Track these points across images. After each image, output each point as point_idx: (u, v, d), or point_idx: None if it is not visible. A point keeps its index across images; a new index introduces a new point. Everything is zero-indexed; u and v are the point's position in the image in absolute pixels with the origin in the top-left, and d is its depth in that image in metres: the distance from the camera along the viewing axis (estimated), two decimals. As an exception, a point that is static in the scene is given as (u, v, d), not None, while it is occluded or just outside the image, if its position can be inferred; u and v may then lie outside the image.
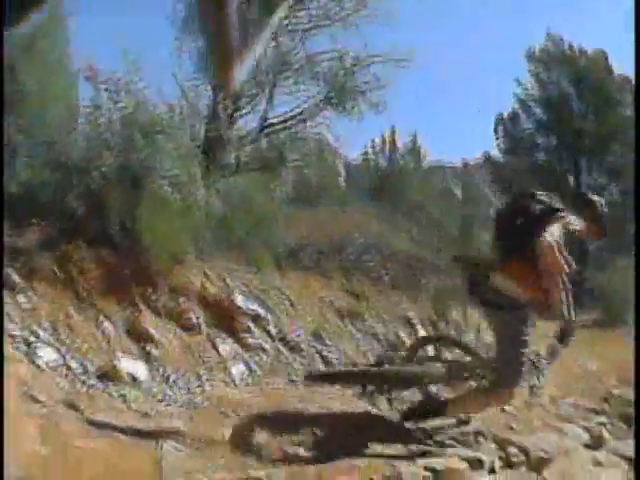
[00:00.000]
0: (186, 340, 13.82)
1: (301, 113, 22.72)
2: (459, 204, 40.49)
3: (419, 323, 19.24)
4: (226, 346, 14.53)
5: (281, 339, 16.00)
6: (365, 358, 16.25)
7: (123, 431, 9.40)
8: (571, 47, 38.58)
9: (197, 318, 14.50)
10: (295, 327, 16.63)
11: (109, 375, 11.26)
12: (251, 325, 15.71)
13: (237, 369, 13.88)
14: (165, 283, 14.67)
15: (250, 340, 15.37)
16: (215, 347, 14.29)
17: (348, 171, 40.63)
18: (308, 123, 22.58)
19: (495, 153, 40.31)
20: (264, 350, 15.29)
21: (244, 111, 21.87)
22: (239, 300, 15.95)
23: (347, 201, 28.40)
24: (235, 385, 13.32)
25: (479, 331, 19.51)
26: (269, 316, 16.42)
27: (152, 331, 13.20)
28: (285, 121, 22.65)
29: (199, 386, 12.59)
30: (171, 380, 12.31)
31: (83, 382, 10.68)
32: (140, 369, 12.21)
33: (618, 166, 35.66)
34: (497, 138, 38.85)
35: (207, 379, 12.93)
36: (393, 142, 37.30)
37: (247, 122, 22.75)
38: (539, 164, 38.08)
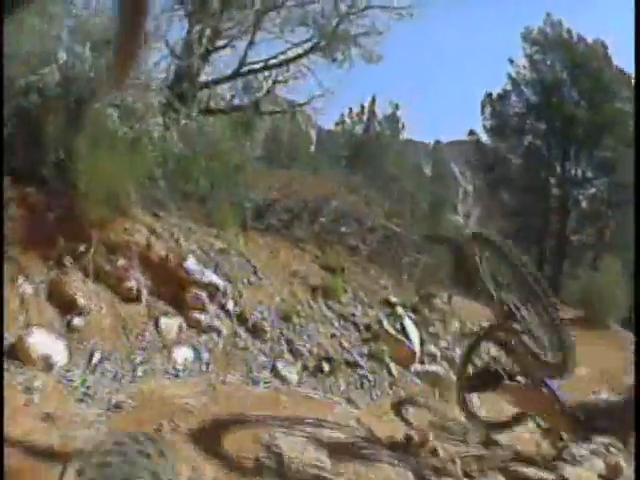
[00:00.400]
0: (120, 312, 11.22)
1: (286, 59, 18.31)
2: (428, 182, 37.86)
3: (400, 306, 16.16)
4: (170, 323, 11.66)
5: (240, 318, 12.77)
6: (344, 351, 13.39)
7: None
8: (570, 32, 35.55)
9: (137, 285, 11.75)
10: (258, 305, 13.18)
11: (14, 353, 9.07)
12: (204, 298, 12.34)
13: (181, 354, 11.18)
14: (101, 238, 11.68)
15: (201, 317, 12.12)
16: (157, 323, 11.48)
17: (319, 137, 37.43)
18: (292, 70, 18.22)
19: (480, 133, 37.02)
20: (218, 332, 12.16)
21: (222, 51, 17.57)
22: (192, 265, 12.47)
23: (318, 167, 24.29)
24: (177, 376, 10.71)
25: (461, 321, 17.77)
26: (228, 288, 12.94)
27: (79, 297, 10.71)
28: (267, 67, 18.32)
29: (130, 373, 10.17)
30: (94, 361, 9.95)
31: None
32: (57, 348, 9.75)
33: (609, 160, 32.41)
34: (484, 117, 35.62)
35: (141, 364, 10.49)
36: (372, 111, 33.94)
37: (225, 63, 19.01)
38: (526, 147, 34.87)
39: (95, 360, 9.86)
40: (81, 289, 10.69)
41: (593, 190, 33.29)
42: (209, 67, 18.09)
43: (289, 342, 12.78)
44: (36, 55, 12.00)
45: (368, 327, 14.54)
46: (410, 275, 18.51)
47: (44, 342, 9.37)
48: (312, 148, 35.15)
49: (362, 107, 34.21)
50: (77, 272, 10.91)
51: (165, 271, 12.06)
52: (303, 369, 12.31)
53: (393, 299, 16.23)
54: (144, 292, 11.56)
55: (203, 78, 17.86)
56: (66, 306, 10.38)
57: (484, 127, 35.95)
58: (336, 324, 14.19)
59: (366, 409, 11.81)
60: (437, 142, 50.64)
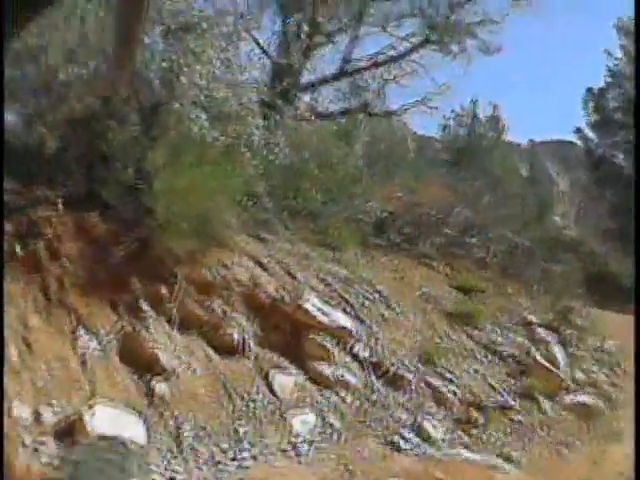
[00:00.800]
0: (219, 369, 8.17)
1: (395, 55, 15.26)
2: (526, 183, 34.52)
3: (540, 327, 13.01)
4: (286, 379, 8.47)
5: (375, 366, 9.40)
6: (493, 392, 10.46)
7: None
8: None
9: (240, 333, 8.55)
10: (395, 346, 10.01)
11: (72, 431, 6.33)
12: (329, 345, 9.07)
13: (302, 421, 8.03)
14: (189, 276, 8.57)
15: (326, 369, 8.87)
16: (268, 381, 8.31)
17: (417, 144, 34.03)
18: (402, 66, 14.88)
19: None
20: (347, 386, 8.89)
21: (322, 48, 14.32)
22: (313, 304, 9.21)
23: (420, 174, 20.59)
24: (297, 453, 7.57)
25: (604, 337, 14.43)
26: (359, 329, 9.65)
27: (161, 354, 7.71)
28: (376, 64, 15.22)
29: (233, 458, 7.09)
30: (182, 441, 7.04)
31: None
32: (132, 425, 6.78)
33: None
34: (586, 113, 31.72)
35: (247, 439, 7.47)
36: (475, 113, 30.52)
37: (327, 62, 15.62)
38: (630, 142, 30.89)
39: (185, 439, 7.04)
40: (164, 343, 7.89)
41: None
42: (310, 66, 14.56)
43: (433, 389, 9.69)
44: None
45: (514, 357, 11.64)
46: (542, 287, 15.17)
47: (114, 418, 6.68)
48: (411, 155, 31.27)
49: (462, 109, 30.35)
50: (158, 321, 8.11)
51: (278, 314, 9.03)
52: (451, 420, 9.44)
53: (532, 318, 13.29)
54: (250, 342, 8.53)
55: (305, 79, 14.71)
56: (145, 367, 7.55)
57: (587, 123, 31.93)
58: (479, 357, 11.24)
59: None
60: (531, 141, 46.16)
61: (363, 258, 11.99)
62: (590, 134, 31.69)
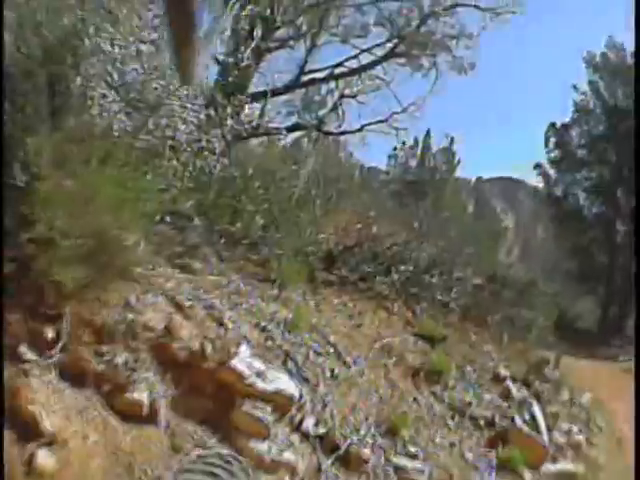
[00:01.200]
0: (120, 442, 5.91)
1: (356, 68, 13.25)
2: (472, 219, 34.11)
3: (512, 382, 11.53)
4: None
5: (325, 443, 7.20)
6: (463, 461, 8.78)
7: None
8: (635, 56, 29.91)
9: (150, 396, 6.22)
10: (351, 414, 7.74)
11: None
12: (267, 416, 6.74)
13: None
14: (83, 316, 6.24)
15: (263, 448, 6.57)
16: None
17: (362, 174, 32.64)
18: (364, 81, 13.09)
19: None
20: (292, 470, 6.71)
21: (276, 53, 12.40)
22: (245, 363, 6.83)
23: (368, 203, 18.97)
24: None
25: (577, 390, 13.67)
26: (304, 395, 7.31)
27: (45, 417, 5.54)
28: (333, 76, 13.07)
29: None
30: None
31: None
32: None
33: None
34: (547, 149, 30.62)
35: None
36: (428, 145, 29.42)
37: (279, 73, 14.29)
38: (591, 180, 29.84)
39: None
40: (47, 402, 5.66)
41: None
42: (260, 71, 12.62)
43: (400, 471, 7.59)
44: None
45: (490, 423, 9.97)
46: (508, 334, 13.74)
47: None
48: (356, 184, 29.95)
49: (415, 140, 29.25)
50: (44, 373, 5.87)
51: (197, 372, 6.64)
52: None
53: (503, 372, 11.70)
54: (161, 408, 6.21)
55: (253, 87, 12.60)
56: (24, 432, 5.44)
57: (548, 160, 30.79)
58: (451, 423, 9.39)
59: None
60: (479, 178, 46.33)
61: (312, 298, 9.81)
62: (550, 171, 30.72)
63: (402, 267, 12.70)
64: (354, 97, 14.70)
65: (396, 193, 28.58)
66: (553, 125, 30.82)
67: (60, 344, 5.83)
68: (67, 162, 5.90)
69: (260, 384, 6.58)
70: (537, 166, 31.01)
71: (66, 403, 5.76)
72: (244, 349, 6.75)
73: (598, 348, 23.19)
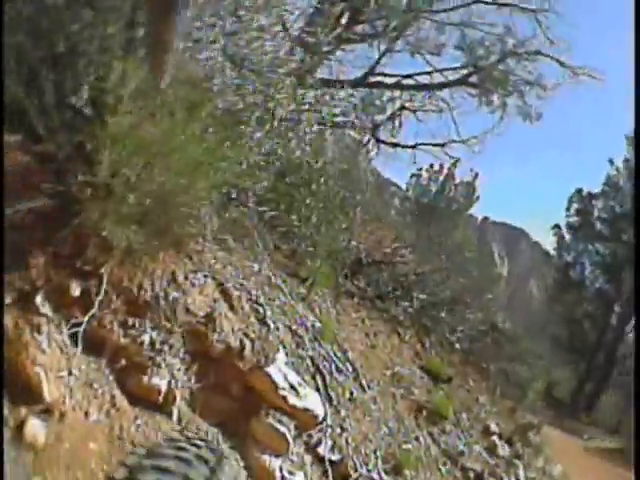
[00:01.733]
0: (126, 423, 5.29)
1: (424, 84, 12.81)
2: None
3: (499, 439, 11.46)
4: None
5: (337, 472, 6.62)
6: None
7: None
8: None
9: (169, 384, 5.59)
10: (362, 443, 7.23)
11: None
12: (288, 432, 6.14)
13: None
14: (120, 281, 5.55)
15: (276, 465, 5.98)
16: None
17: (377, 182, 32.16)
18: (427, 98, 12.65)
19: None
20: None
21: (353, 46, 11.96)
22: (278, 370, 6.23)
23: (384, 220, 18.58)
24: None
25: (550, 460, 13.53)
26: (328, 415, 6.77)
27: (45, 381, 4.86)
28: (400, 86, 12.67)
29: None
30: None
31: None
32: None
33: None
34: (568, 214, 30.37)
35: None
36: (452, 174, 28.97)
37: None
38: (603, 255, 29.51)
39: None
40: (55, 367, 5.02)
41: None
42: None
43: None
44: None
45: (479, 478, 9.76)
46: (502, 390, 13.71)
47: None
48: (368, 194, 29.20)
49: (441, 166, 28.88)
50: (57, 332, 5.17)
51: (228, 369, 6.02)
52: None
53: (492, 427, 11.63)
54: (178, 398, 5.62)
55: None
56: (20, 394, 4.78)
57: (567, 224, 30.46)
58: (443, 469, 9.11)
59: None
60: (485, 218, 45.68)
61: (334, 307, 9.35)
62: (566, 235, 30.43)
63: (421, 296, 12.46)
64: (414, 112, 14.28)
65: (410, 212, 28.39)
66: (579, 191, 30.53)
67: (94, 309, 5.25)
68: (151, 101, 5.34)
69: (291, 399, 6.04)
70: (556, 227, 30.74)
71: (73, 371, 5.13)
72: (281, 356, 6.25)
73: (568, 420, 23.10)
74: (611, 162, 29.85)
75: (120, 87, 5.23)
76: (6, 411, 4.63)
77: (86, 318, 5.14)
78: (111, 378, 5.37)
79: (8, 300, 4.90)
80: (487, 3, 13.93)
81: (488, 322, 15.09)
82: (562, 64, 14.08)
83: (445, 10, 13.80)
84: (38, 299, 5.06)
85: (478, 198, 30.79)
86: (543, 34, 14.04)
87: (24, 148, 5.57)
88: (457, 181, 30.54)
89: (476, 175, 29.97)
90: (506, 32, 14.14)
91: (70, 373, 5.08)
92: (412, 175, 31.15)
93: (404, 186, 31.61)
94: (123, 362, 5.46)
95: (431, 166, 29.82)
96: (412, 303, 12.05)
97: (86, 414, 5.05)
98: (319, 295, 8.99)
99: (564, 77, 14.06)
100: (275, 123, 7.02)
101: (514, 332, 17.15)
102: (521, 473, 10.98)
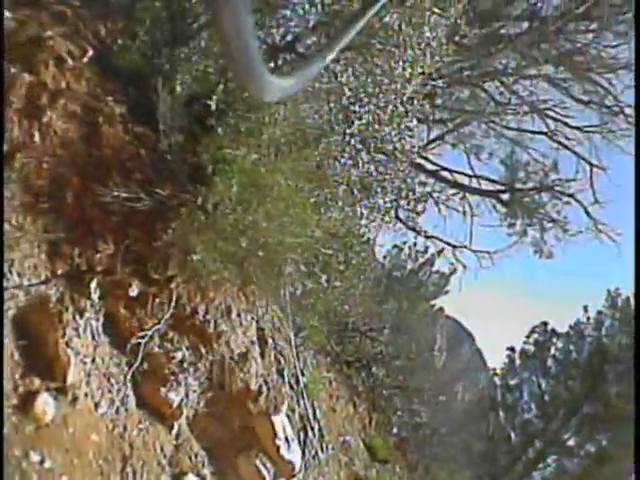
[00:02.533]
0: (130, 424, 5.59)
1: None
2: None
3: None
4: None
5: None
6: None
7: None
8: None
9: (183, 403, 6.02)
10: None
11: None
12: (268, 475, 6.62)
13: None
14: (187, 296, 5.97)
15: None
16: None
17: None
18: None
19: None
20: None
21: None
22: (281, 422, 6.75)
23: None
24: None
25: None
26: (300, 466, 7.19)
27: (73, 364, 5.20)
28: (438, 176, 13.16)
29: None
30: None
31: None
32: None
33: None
34: (525, 340, 30.60)
35: None
36: (432, 262, 29.30)
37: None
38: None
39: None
40: (83, 351, 5.39)
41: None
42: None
43: None
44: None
45: None
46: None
47: None
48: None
49: (426, 248, 29.03)
50: (97, 320, 5.56)
51: (238, 408, 6.43)
52: None
53: None
54: (184, 415, 6.01)
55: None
56: (42, 367, 5.12)
57: (521, 350, 30.72)
58: None
59: None
60: (440, 309, 45.58)
61: (311, 363, 9.81)
62: (517, 360, 30.65)
63: (381, 374, 12.84)
64: (438, 204, 14.72)
65: (379, 281, 28.43)
66: (544, 324, 30.70)
67: (167, 316, 5.60)
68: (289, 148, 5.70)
69: (283, 450, 6.49)
70: (510, 349, 30.89)
71: (97, 361, 5.46)
72: (284, 408, 6.68)
73: None
74: (585, 309, 30.08)
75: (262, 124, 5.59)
76: (17, 377, 4.88)
77: (152, 331, 5.48)
78: (130, 377, 5.69)
79: (60, 272, 5.16)
80: (554, 141, 14.33)
81: (427, 417, 15.40)
82: (589, 215, 14.51)
83: (511, 129, 14.21)
84: (93, 284, 5.41)
85: (447, 292, 31.17)
86: (589, 183, 14.48)
87: (127, 125, 5.83)
88: (434, 269, 30.94)
89: (454, 270, 30.34)
90: (553, 167, 14.54)
91: (94, 362, 5.42)
92: (394, 246, 31.37)
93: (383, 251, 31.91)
94: (146, 367, 5.77)
95: (414, 244, 30.20)
96: (371, 378, 12.39)
97: (96, 405, 5.39)
98: (309, 351, 9.42)
99: (587, 227, 14.48)
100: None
101: (446, 433, 17.48)
102: None
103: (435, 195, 14.53)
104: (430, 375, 24.33)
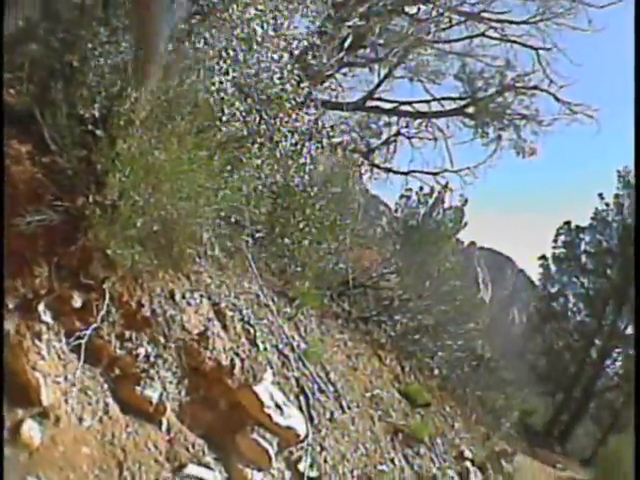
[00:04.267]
0: (117, 430, 5.61)
1: (421, 112, 13.07)
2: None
3: (473, 465, 11.49)
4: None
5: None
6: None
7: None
8: None
9: (162, 395, 5.96)
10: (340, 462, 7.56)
11: None
12: (271, 448, 6.52)
13: None
14: (121, 296, 5.94)
15: (256, 478, 6.33)
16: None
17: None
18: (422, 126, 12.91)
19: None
20: None
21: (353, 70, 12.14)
22: (265, 389, 6.58)
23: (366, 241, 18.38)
24: None
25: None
26: (310, 433, 7.12)
27: (44, 385, 5.20)
28: (396, 112, 12.84)
29: None
30: None
31: None
32: None
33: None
34: (555, 245, 30.23)
35: None
36: (442, 199, 28.70)
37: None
38: (587, 288, 29.57)
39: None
40: (53, 373, 5.38)
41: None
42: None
43: None
44: None
45: None
46: (478, 417, 13.84)
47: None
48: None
49: (431, 189, 28.52)
50: (57, 340, 5.56)
51: (218, 386, 6.35)
52: None
53: (466, 452, 11.66)
54: (170, 412, 5.95)
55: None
56: (19, 397, 5.16)
57: (553, 255, 30.45)
58: None
59: None
60: (472, 243, 45.25)
61: (319, 327, 9.69)
62: (552, 266, 30.38)
63: (404, 320, 12.64)
64: (409, 138, 14.52)
65: (396, 233, 28.20)
66: (567, 224, 30.51)
67: (96, 322, 5.59)
68: (161, 128, 5.69)
69: (276, 417, 6.40)
70: (542, 257, 30.67)
71: (69, 377, 5.47)
72: (269, 376, 6.60)
73: (541, 450, 22.96)
74: (601, 196, 29.79)
75: (132, 112, 5.59)
76: (4, 413, 4.93)
77: (89, 331, 5.47)
78: (105, 387, 5.70)
79: (11, 306, 5.23)
80: (491, 38, 14.14)
81: (468, 349, 15.20)
82: (558, 100, 14.32)
83: (449, 41, 14.04)
84: (40, 307, 5.40)
85: (466, 224, 30.88)
86: (542, 70, 14.27)
87: (34, 159, 5.87)
88: (446, 206, 30.67)
89: (465, 201, 30.11)
90: (506, 66, 14.37)
91: (66, 379, 5.40)
92: (401, 196, 31.12)
93: (393, 206, 31.71)
94: (118, 372, 5.79)
95: (421, 189, 29.92)
96: (395, 327, 12.22)
97: (80, 420, 5.38)
98: (305, 315, 9.31)
99: (560, 113, 14.30)
100: (278, 153, 7.34)
101: (493, 360, 17.20)
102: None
103: (404, 132, 14.48)
104: (475, 310, 24.03)
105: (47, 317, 5.47)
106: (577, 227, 29.94)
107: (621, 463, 18.93)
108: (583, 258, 29.60)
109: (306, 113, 8.72)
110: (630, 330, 28.79)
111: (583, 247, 29.74)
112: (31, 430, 5.03)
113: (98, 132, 5.69)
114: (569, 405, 28.30)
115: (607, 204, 29.36)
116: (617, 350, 29.19)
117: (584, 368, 28.40)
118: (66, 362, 5.49)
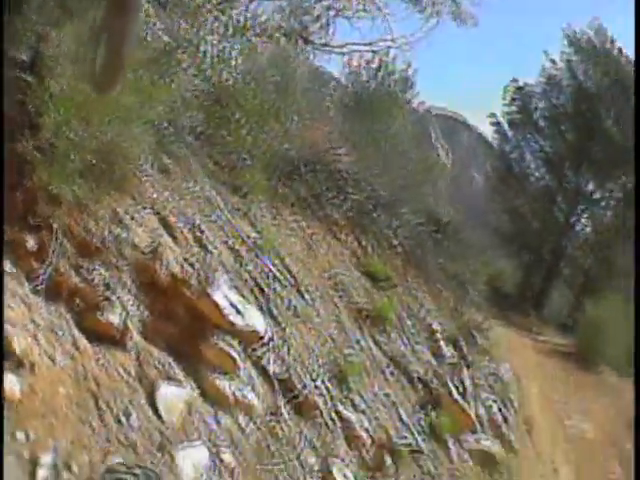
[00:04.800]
0: (88, 363, 5.68)
1: None
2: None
3: (444, 340, 11.68)
4: (175, 394, 6.12)
5: (284, 384, 7.27)
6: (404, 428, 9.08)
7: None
8: (613, 43, 28.95)
9: (124, 318, 6.07)
10: (308, 354, 7.81)
11: None
12: (235, 352, 6.76)
13: (191, 459, 5.75)
14: (70, 227, 6.06)
15: (226, 386, 6.60)
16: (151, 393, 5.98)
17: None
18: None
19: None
20: (250, 411, 6.75)
21: None
22: (223, 295, 6.73)
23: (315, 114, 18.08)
24: None
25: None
26: (272, 332, 7.32)
27: (17, 333, 5.13)
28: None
29: None
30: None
31: None
32: None
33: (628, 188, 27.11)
34: (504, 103, 30.11)
35: None
36: (387, 66, 28.51)
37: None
38: (543, 149, 29.76)
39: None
40: (22, 321, 5.35)
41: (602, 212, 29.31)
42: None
43: (344, 422, 7.90)
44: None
45: (424, 383, 10.30)
46: (444, 287, 13.61)
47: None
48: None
49: (380, 61, 28.30)
50: (19, 287, 5.60)
51: (176, 299, 6.51)
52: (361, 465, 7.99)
53: (436, 327, 11.76)
54: (134, 333, 6.09)
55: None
56: None
57: (503, 113, 30.46)
58: (388, 376, 9.62)
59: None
60: (428, 110, 45.16)
61: (269, 213, 9.67)
62: (505, 125, 30.42)
63: (357, 196, 12.48)
64: (340, 11, 14.24)
65: (344, 104, 27.93)
66: (515, 80, 30.35)
67: (51, 259, 5.65)
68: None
69: (235, 319, 6.53)
70: (492, 115, 30.66)
71: (36, 320, 5.52)
72: (223, 279, 6.69)
73: (514, 316, 23.08)
74: (546, 53, 29.63)
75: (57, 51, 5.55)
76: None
77: (43, 269, 5.53)
78: (71, 321, 5.80)
79: None
80: None
81: (428, 215, 15.00)
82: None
83: None
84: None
85: (418, 93, 30.81)
86: None
87: None
88: (396, 76, 30.57)
89: (409, 64, 29.96)
90: None
91: (34, 322, 5.45)
92: (349, 72, 30.92)
93: (337, 75, 31.45)
94: (79, 303, 5.87)
95: (367, 62, 29.76)
96: (349, 203, 12.10)
97: (53, 360, 5.43)
98: (255, 204, 9.29)
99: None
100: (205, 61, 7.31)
101: (454, 224, 17.01)
102: (465, 375, 11.30)
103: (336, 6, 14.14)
104: (433, 173, 23.83)
105: (7, 266, 5.52)
106: (526, 84, 29.83)
107: (601, 330, 20.02)
108: (539, 120, 29.65)
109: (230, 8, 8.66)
110: (591, 187, 29.32)
111: (534, 105, 29.75)
112: (11, 383, 5.01)
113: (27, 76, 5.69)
114: (539, 267, 28.65)
115: (553, 61, 29.23)
116: (581, 207, 29.56)
117: (548, 227, 28.74)
118: (30, 305, 5.53)
